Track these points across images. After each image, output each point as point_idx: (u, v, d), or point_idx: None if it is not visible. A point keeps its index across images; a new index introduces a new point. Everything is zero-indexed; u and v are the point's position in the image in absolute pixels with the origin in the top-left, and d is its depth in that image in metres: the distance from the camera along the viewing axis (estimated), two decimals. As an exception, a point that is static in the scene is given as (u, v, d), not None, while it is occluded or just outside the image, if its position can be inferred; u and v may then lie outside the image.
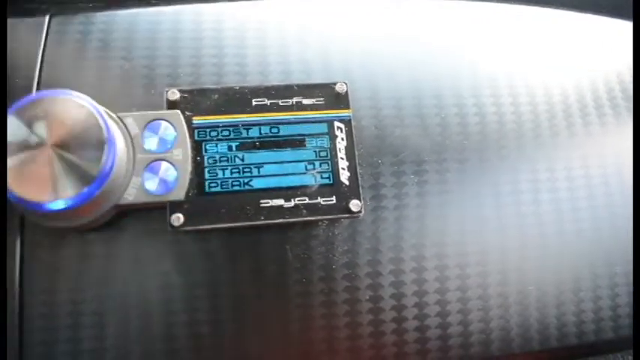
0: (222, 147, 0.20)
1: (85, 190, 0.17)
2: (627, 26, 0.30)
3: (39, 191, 0.17)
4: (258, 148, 0.21)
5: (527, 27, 0.28)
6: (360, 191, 0.21)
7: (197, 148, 0.20)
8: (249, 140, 0.21)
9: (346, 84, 0.22)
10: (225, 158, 0.20)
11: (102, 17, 0.24)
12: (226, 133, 0.21)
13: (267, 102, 0.21)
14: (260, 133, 0.21)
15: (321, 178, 0.21)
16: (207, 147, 0.20)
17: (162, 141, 0.20)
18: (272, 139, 0.21)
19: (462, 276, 0.23)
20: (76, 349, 0.20)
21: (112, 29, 0.24)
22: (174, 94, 0.20)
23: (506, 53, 0.27)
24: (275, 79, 0.23)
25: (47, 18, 0.24)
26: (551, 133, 0.25)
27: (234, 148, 0.21)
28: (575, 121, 0.26)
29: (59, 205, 0.17)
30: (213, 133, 0.20)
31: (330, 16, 0.26)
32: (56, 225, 0.19)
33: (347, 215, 0.20)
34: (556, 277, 0.24)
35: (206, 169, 0.20)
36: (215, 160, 0.20)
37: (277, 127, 0.21)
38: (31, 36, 0.23)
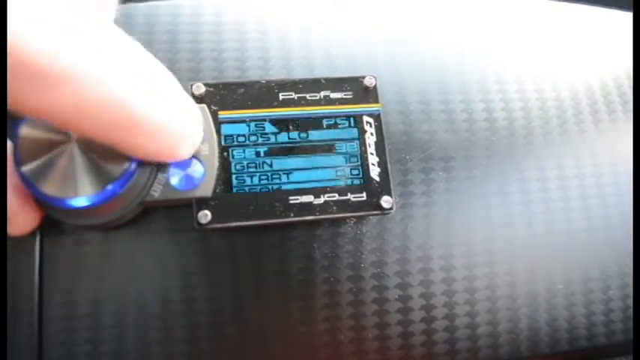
0: None
1: (110, 187, 0.17)
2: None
3: (61, 187, 0.17)
4: None
5: (555, 22, 0.27)
6: (392, 187, 0.20)
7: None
8: None
9: (375, 78, 0.21)
10: None
11: (121, 10, 0.23)
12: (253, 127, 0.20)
13: (295, 96, 0.21)
14: (288, 128, 0.20)
15: (351, 173, 0.20)
16: None
17: (188, 136, 0.19)
18: None
19: (490, 274, 0.22)
20: (97, 350, 0.20)
21: (131, 22, 0.23)
22: (200, 89, 0.20)
23: (532, 48, 0.26)
24: (299, 73, 0.23)
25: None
26: (578, 129, 0.25)
27: None
28: (602, 117, 0.26)
29: (81, 202, 0.17)
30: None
31: (353, 9, 0.25)
32: (79, 223, 0.18)
33: (378, 212, 0.20)
34: (584, 275, 0.23)
35: None
36: None
37: (306, 122, 0.20)
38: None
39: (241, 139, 0.20)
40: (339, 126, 0.20)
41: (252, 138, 0.20)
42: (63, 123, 0.14)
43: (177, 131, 0.16)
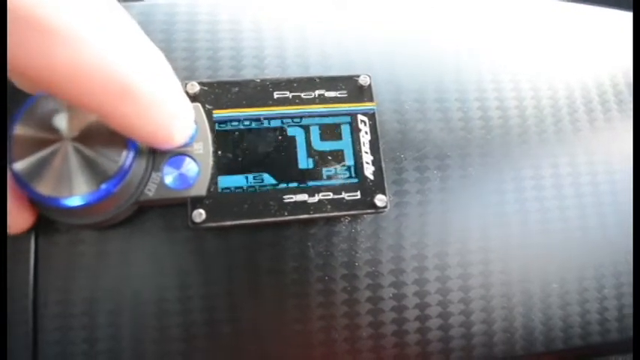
0: None
1: (104, 186, 0.17)
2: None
3: (55, 186, 0.17)
4: None
5: (550, 21, 0.27)
6: (386, 186, 0.20)
7: (218, 142, 0.20)
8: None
9: (369, 77, 0.21)
10: None
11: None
12: (248, 126, 0.20)
13: (289, 95, 0.21)
14: (282, 127, 0.20)
15: (345, 172, 0.20)
16: None
17: (182, 135, 0.19)
18: None
19: (485, 273, 0.22)
20: (92, 349, 0.20)
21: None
22: (194, 87, 0.20)
23: (528, 47, 0.26)
24: (294, 72, 0.23)
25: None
26: (573, 127, 0.25)
27: None
28: (597, 116, 0.26)
29: (75, 201, 0.17)
30: (235, 127, 0.20)
31: (348, 8, 0.25)
32: (74, 222, 0.18)
33: (372, 210, 0.20)
34: (579, 273, 0.24)
35: None
36: None
37: (300, 121, 0.20)
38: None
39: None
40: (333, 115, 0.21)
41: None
42: (60, 86, 0.14)
43: (172, 110, 0.16)
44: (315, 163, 0.20)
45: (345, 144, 0.20)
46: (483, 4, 0.27)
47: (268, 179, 0.20)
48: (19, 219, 0.18)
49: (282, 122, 0.20)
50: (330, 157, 0.20)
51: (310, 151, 0.20)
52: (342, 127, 0.21)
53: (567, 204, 0.24)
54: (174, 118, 0.16)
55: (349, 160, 0.20)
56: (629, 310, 0.24)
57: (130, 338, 0.20)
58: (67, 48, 0.13)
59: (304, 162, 0.20)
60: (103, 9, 0.14)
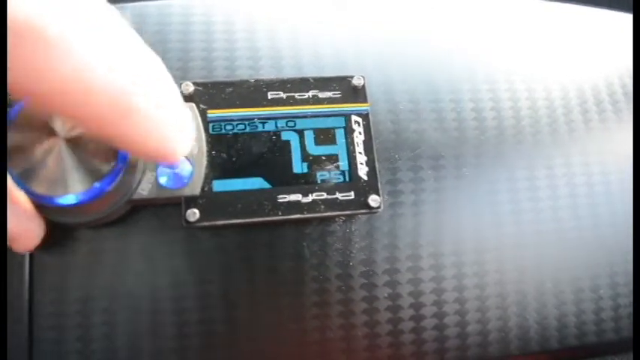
0: None
1: (97, 185, 0.17)
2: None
3: (50, 185, 0.17)
4: None
5: (545, 22, 0.28)
6: (379, 186, 0.20)
7: (212, 142, 0.20)
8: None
9: (363, 77, 0.21)
10: None
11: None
12: (242, 126, 0.20)
13: (283, 95, 0.21)
14: (276, 127, 0.20)
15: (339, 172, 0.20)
16: None
17: (176, 134, 0.19)
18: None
19: (480, 273, 0.22)
20: (87, 347, 0.20)
21: (121, 22, 0.23)
22: (189, 87, 0.20)
23: (522, 48, 0.26)
24: (288, 73, 0.23)
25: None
26: (568, 128, 0.25)
27: None
28: (592, 116, 0.26)
29: (70, 199, 0.17)
30: (229, 127, 0.20)
31: (342, 9, 0.25)
32: (68, 221, 0.19)
33: (366, 211, 0.20)
34: (573, 274, 0.24)
35: None
36: None
37: (293, 121, 0.20)
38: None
39: (229, 127, 0.20)
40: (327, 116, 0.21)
41: (240, 127, 0.20)
42: (62, 105, 0.13)
43: (176, 124, 0.15)
44: (310, 168, 0.20)
45: (339, 148, 0.20)
46: (477, 4, 0.27)
47: (263, 184, 0.20)
48: (31, 233, 0.18)
49: (277, 125, 0.20)
50: (324, 161, 0.20)
51: (305, 156, 0.20)
52: (336, 131, 0.21)
53: (562, 204, 0.24)
54: (178, 132, 0.16)
55: (344, 165, 0.20)
56: (624, 311, 0.24)
57: (124, 337, 0.20)
58: (69, 64, 0.12)
59: (299, 166, 0.20)
60: (108, 23, 0.13)
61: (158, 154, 0.16)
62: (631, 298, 0.24)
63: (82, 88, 0.13)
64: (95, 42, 0.12)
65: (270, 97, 0.21)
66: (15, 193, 0.17)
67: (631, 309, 0.24)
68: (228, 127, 0.20)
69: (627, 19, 0.29)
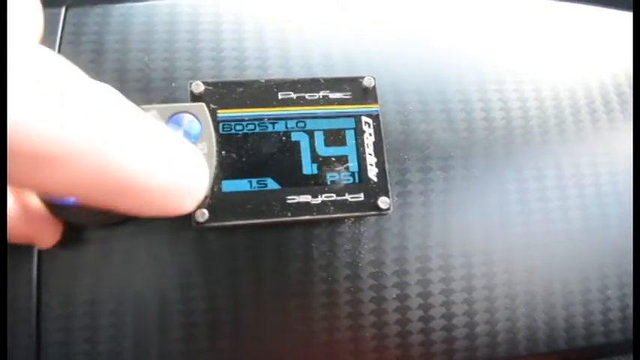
0: None
1: None
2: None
3: None
4: None
5: (551, 22, 0.27)
6: (389, 188, 0.20)
7: (222, 141, 0.20)
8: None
9: (374, 78, 0.21)
10: None
11: (119, 9, 0.23)
12: (252, 127, 0.20)
13: (294, 96, 0.21)
14: (286, 128, 0.20)
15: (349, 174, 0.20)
16: None
17: (186, 134, 0.19)
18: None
19: (488, 274, 0.22)
20: (94, 349, 0.20)
21: (130, 21, 0.23)
22: (199, 87, 0.20)
23: (530, 48, 0.26)
24: (297, 73, 0.23)
25: (63, 10, 0.23)
26: (576, 128, 0.25)
27: None
28: (600, 116, 0.26)
29: None
30: (239, 127, 0.20)
31: (351, 10, 0.25)
32: (78, 220, 0.19)
33: (375, 212, 0.20)
34: (582, 274, 0.23)
35: None
36: None
37: (304, 122, 0.20)
38: (46, 28, 0.22)
39: (239, 127, 0.20)
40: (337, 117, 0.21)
41: (250, 127, 0.20)
42: (60, 196, 0.13)
43: (179, 190, 0.15)
44: (320, 169, 0.20)
45: (349, 149, 0.20)
46: (485, 5, 0.27)
47: (272, 184, 0.19)
48: (47, 234, 0.19)
49: (287, 126, 0.20)
50: (334, 162, 0.20)
51: (314, 157, 0.20)
52: (347, 132, 0.20)
53: (570, 205, 0.24)
54: (185, 196, 0.15)
55: (353, 166, 0.20)
56: (632, 312, 0.24)
57: (132, 338, 0.20)
58: (58, 167, 0.12)
59: (308, 167, 0.20)
60: (84, 103, 0.12)
61: (167, 214, 0.15)
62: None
63: (78, 184, 0.12)
64: (88, 142, 0.12)
65: (280, 97, 0.20)
66: (26, 195, 0.17)
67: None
68: (238, 127, 0.20)
69: (631, 17, 0.29)
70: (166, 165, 0.14)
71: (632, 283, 0.24)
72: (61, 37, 0.22)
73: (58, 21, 0.23)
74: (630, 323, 0.24)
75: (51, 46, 0.22)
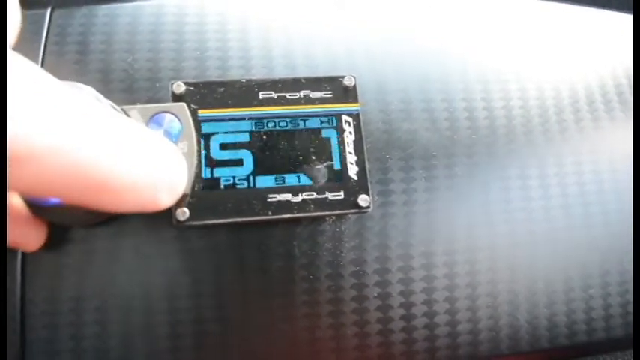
0: None
1: None
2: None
3: None
4: None
5: (537, 22, 0.28)
6: (369, 186, 0.20)
7: (204, 141, 0.20)
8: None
9: (354, 77, 0.21)
10: None
11: (105, 10, 0.23)
12: (233, 126, 0.20)
13: (274, 95, 0.21)
14: (267, 127, 0.20)
15: (329, 172, 0.20)
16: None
17: (167, 134, 0.19)
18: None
19: (471, 272, 0.22)
20: (79, 346, 0.20)
21: (115, 22, 0.23)
22: (180, 87, 0.20)
23: (514, 48, 0.26)
24: (280, 73, 0.23)
25: (48, 11, 0.23)
26: (559, 127, 0.25)
27: None
28: (583, 115, 0.26)
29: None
30: (221, 126, 0.20)
31: (334, 9, 0.25)
32: (60, 220, 0.19)
33: (355, 210, 0.20)
34: (565, 273, 0.24)
35: None
36: None
37: (285, 121, 0.20)
38: (31, 29, 0.23)
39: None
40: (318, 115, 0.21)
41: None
42: (32, 195, 0.14)
43: (154, 185, 0.15)
44: (300, 167, 0.20)
45: (329, 148, 0.20)
46: (470, 4, 0.27)
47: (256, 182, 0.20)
48: (32, 237, 0.19)
49: (267, 125, 0.20)
50: (314, 161, 0.20)
51: (295, 155, 0.20)
52: (328, 131, 0.21)
53: (553, 204, 0.24)
54: (160, 190, 0.16)
55: (334, 165, 0.20)
56: (615, 310, 0.24)
57: (117, 336, 0.20)
58: (27, 167, 0.12)
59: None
60: (51, 102, 0.12)
61: (144, 209, 0.16)
62: (621, 298, 0.24)
63: (50, 182, 0.13)
64: (57, 140, 0.12)
65: (261, 96, 0.21)
66: (10, 197, 0.18)
67: (620, 309, 0.24)
68: (220, 127, 0.20)
69: (620, 18, 0.29)
70: (139, 162, 0.14)
71: (633, 283, 0.24)
72: (47, 38, 0.22)
73: (43, 22, 0.23)
74: (613, 322, 0.24)
75: (36, 46, 0.22)
